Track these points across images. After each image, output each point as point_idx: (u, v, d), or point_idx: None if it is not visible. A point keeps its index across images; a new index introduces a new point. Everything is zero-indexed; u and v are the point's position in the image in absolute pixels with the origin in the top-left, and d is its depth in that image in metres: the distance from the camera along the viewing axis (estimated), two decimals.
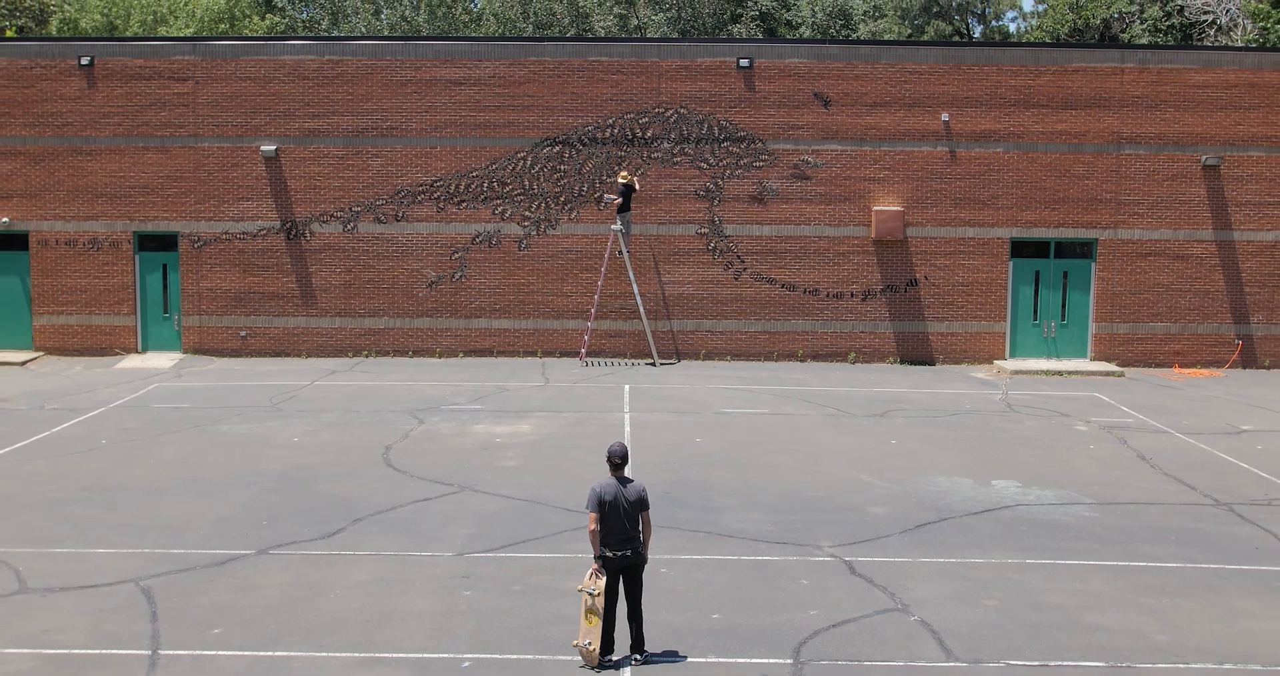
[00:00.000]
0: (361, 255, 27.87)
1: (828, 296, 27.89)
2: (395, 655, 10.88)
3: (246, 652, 10.90)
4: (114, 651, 10.91)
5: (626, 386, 24.43)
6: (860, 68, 27.57)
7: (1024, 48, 29.39)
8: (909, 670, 10.70)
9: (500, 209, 27.78)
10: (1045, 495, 16.60)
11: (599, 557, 10.65)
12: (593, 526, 10.62)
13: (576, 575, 12.29)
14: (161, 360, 27.37)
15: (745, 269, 27.85)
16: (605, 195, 27.52)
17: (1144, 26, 50.05)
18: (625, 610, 10.86)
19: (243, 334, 27.98)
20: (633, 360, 27.70)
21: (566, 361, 27.48)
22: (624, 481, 10.75)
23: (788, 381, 25.29)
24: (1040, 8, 60.78)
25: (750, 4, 60.29)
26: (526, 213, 27.79)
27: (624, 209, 26.81)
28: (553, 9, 58.48)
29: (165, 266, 28.07)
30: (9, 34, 47.92)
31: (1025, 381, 25.92)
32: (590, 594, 10.64)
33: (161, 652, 10.90)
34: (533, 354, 28.01)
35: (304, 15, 60.48)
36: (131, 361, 27.31)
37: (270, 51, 27.80)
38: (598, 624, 10.63)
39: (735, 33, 58.25)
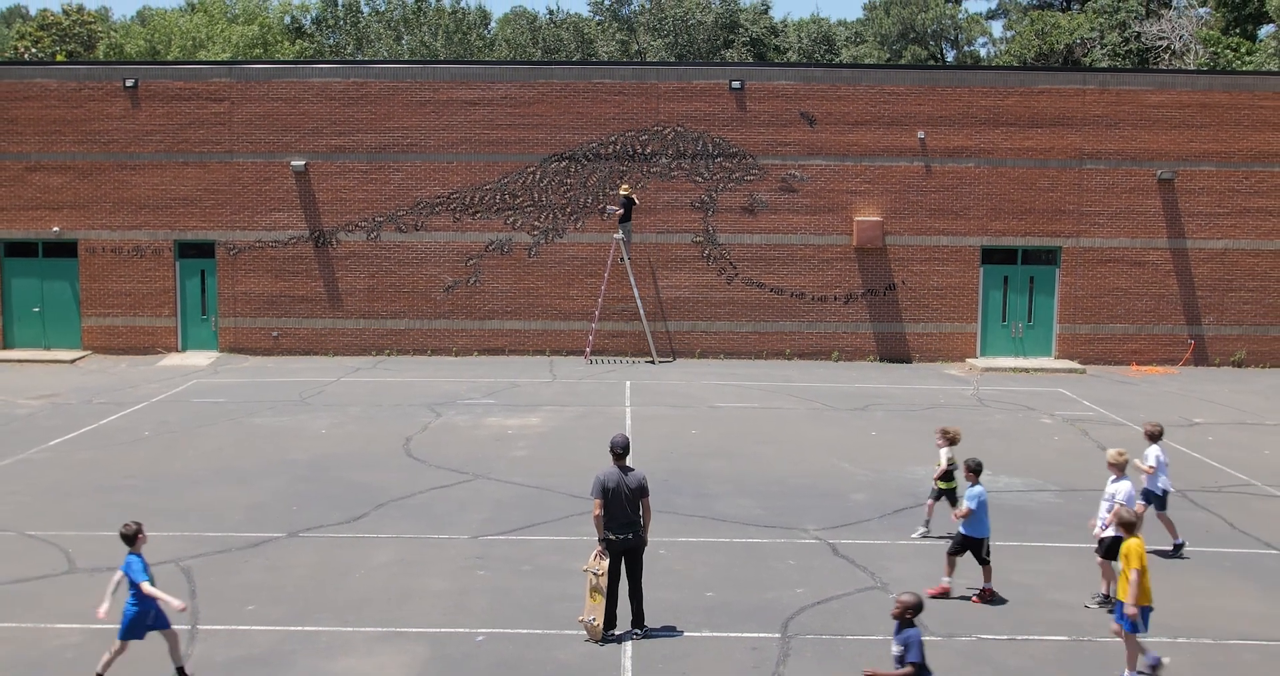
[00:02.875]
0: (384, 262, 27.88)
1: (813, 300, 27.89)
2: (415, 629, 10.89)
3: (278, 627, 10.92)
4: None
5: (628, 383, 24.42)
6: (843, 89, 27.56)
7: (993, 71, 29.41)
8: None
9: (511, 219, 27.79)
10: (1013, 482, 16.60)
11: (603, 540, 10.66)
12: (597, 512, 10.61)
13: (582, 556, 12.28)
14: (200, 358, 27.37)
15: (737, 274, 27.85)
16: (608, 207, 27.53)
17: (1104, 51, 50.06)
18: (627, 589, 10.86)
19: (274, 334, 27.98)
20: (633, 358, 27.71)
21: (572, 359, 27.48)
22: (625, 470, 10.74)
23: (776, 378, 25.29)
24: (1009, 33, 60.79)
25: (742, 31, 60.30)
26: (536, 223, 27.79)
27: (625, 219, 26.82)
28: (560, 35, 58.50)
29: (203, 272, 28.07)
30: (59, 58, 47.93)
31: (995, 378, 25.92)
32: (595, 574, 10.64)
33: (200, 627, 10.91)
34: (541, 352, 28.02)
35: (331, 41, 60.51)
36: (172, 360, 27.31)
37: (300, 74, 27.81)
38: (601, 601, 10.64)
39: (728, 57, 58.22)
